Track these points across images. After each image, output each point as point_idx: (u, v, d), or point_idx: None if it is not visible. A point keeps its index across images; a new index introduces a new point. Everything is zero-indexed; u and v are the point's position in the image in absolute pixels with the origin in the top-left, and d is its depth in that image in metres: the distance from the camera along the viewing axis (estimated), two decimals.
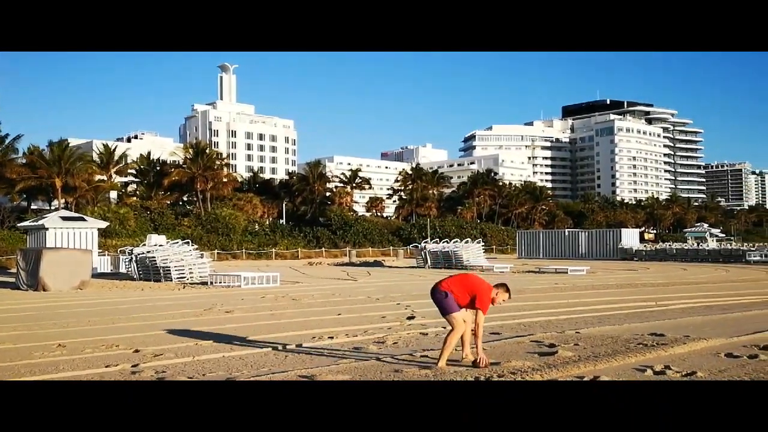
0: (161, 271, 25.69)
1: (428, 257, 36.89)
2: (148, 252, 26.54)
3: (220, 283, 23.88)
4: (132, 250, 27.90)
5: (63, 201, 62.81)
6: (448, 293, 7.28)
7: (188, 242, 28.15)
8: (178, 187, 76.47)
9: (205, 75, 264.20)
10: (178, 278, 25.34)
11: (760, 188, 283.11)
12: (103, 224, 34.19)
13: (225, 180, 78.41)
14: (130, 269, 27.58)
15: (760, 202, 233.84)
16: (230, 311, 14.82)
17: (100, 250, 37.15)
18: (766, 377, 6.75)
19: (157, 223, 65.01)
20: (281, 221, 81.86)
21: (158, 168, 78.24)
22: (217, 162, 77.99)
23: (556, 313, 13.61)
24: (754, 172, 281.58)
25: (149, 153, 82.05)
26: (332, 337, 10.53)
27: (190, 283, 24.54)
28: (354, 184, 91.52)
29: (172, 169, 76.31)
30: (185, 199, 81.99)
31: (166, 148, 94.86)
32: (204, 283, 24.37)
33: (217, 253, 53.19)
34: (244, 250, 57.11)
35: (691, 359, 7.74)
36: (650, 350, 8.21)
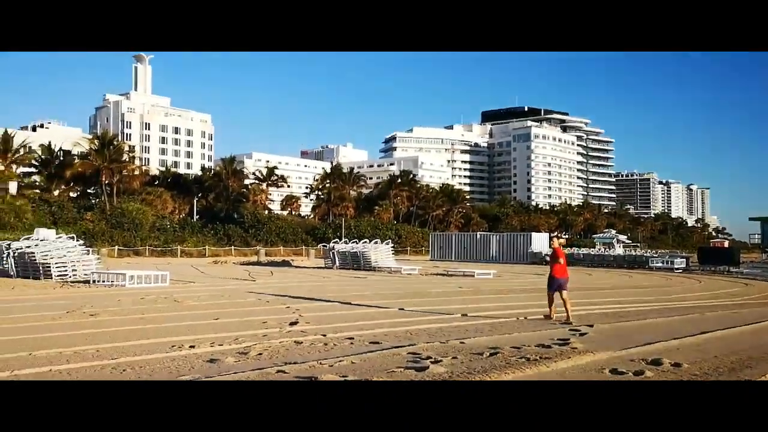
0: (41, 267, 23.58)
1: (336, 258, 35.87)
2: (27, 247, 24.31)
3: (103, 281, 22.05)
4: (10, 244, 25.52)
5: None
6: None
7: (73, 237, 26.04)
8: (82, 180, 72.46)
9: (119, 64, 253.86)
10: (59, 276, 23.31)
11: (666, 197, 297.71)
12: None
13: (135, 173, 74.85)
14: (7, 265, 25.22)
15: (666, 210, 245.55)
16: (95, 314, 13.33)
17: None
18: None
19: (57, 216, 61.28)
20: (194, 218, 78.97)
21: (61, 158, 73.83)
22: (126, 154, 74.35)
23: (449, 320, 12.86)
24: (660, 182, 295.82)
25: (50, 143, 77.34)
26: (193, 347, 9.35)
27: (71, 282, 22.59)
28: (270, 182, 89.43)
29: (76, 160, 72.21)
30: (91, 192, 77.84)
31: (73, 139, 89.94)
32: (87, 282, 22.47)
33: (118, 249, 50.40)
34: (148, 247, 54.41)
35: (571, 376, 7.02)
36: (531, 365, 7.46)
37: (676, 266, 42.74)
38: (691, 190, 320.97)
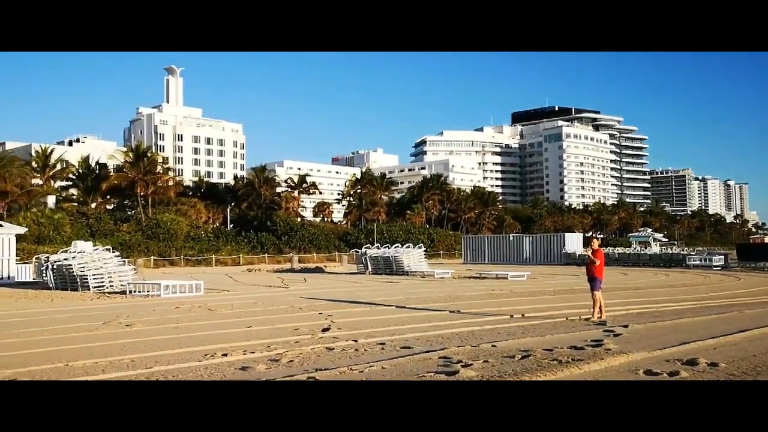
0: (78, 279, 24.06)
1: (369, 263, 35.91)
2: (65, 259, 24.83)
3: (139, 292, 22.40)
4: (48, 257, 26.10)
5: None
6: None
7: (109, 249, 26.52)
8: (118, 192, 73.75)
9: (152, 77, 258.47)
10: (96, 287, 23.75)
11: (702, 194, 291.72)
12: (21, 230, 32.12)
13: (169, 184, 75.99)
14: (46, 278, 25.80)
15: (703, 207, 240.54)
16: (131, 324, 13.54)
17: (18, 258, 34.75)
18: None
19: (94, 228, 62.35)
20: (228, 227, 79.83)
21: (97, 172, 75.37)
22: (160, 166, 75.51)
23: (481, 323, 12.77)
24: (696, 179, 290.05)
25: (88, 156, 79.03)
26: (226, 354, 9.44)
27: (107, 293, 23.00)
28: (301, 189, 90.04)
29: (112, 173, 73.63)
30: (127, 204, 79.25)
31: (108, 152, 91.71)
32: (123, 293, 22.86)
33: (154, 259, 51.16)
34: (183, 257, 55.12)
35: (604, 378, 6.91)
36: (563, 368, 7.36)
37: (714, 264, 41.85)
38: (728, 185, 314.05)
